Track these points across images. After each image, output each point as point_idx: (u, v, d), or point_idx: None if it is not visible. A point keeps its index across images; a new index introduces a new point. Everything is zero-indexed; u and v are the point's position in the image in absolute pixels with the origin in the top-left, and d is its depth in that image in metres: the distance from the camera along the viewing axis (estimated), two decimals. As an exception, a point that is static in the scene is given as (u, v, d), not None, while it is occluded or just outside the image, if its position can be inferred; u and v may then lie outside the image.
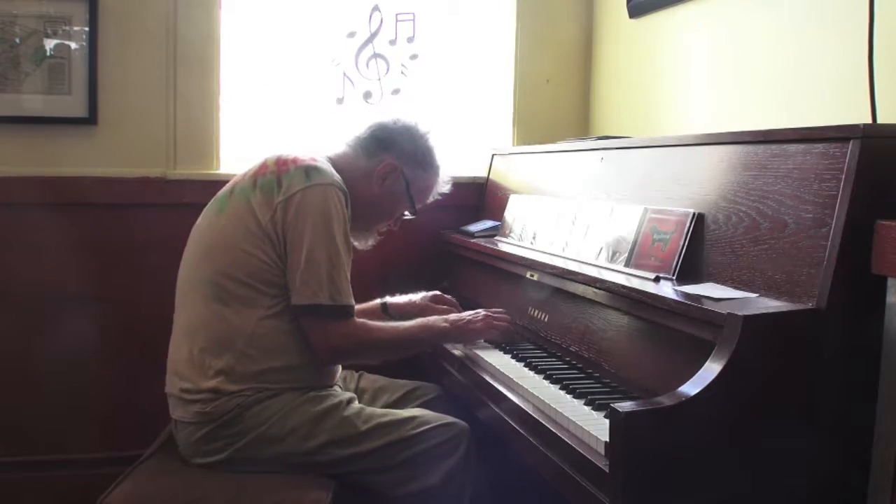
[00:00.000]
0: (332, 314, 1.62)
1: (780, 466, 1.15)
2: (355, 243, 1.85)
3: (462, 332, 1.80)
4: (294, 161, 1.66)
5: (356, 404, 1.70)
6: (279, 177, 1.64)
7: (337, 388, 1.78)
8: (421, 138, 1.85)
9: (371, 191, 1.80)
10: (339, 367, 1.83)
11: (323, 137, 2.63)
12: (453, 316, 1.84)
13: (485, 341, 1.81)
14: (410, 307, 2.04)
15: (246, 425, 1.58)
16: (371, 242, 1.92)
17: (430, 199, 1.93)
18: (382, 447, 1.61)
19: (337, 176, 1.68)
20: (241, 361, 1.59)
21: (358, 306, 2.02)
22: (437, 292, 2.09)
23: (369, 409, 1.69)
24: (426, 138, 1.86)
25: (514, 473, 1.81)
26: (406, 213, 1.89)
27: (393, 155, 1.80)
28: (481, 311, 1.84)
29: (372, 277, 2.29)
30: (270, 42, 2.58)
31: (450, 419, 1.69)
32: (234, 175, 1.69)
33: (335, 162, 1.77)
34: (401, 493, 1.62)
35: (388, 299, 2.09)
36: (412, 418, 1.67)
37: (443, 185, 1.93)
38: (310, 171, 1.64)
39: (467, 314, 1.84)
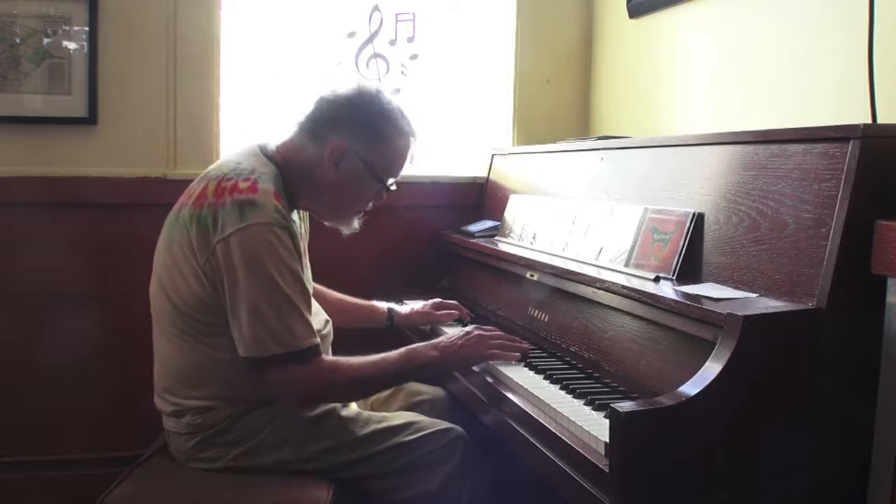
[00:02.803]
0: (292, 360, 1.47)
1: (780, 466, 1.15)
2: (342, 229, 1.72)
3: (457, 358, 1.62)
4: (232, 191, 1.49)
5: (352, 408, 1.69)
6: (216, 211, 1.48)
7: None
8: (364, 108, 1.58)
9: (329, 178, 1.59)
10: None
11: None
12: (443, 341, 1.63)
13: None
14: (416, 316, 2.04)
15: (239, 434, 1.56)
16: (356, 226, 1.72)
17: (405, 166, 1.67)
18: (378, 453, 1.60)
19: (272, 206, 1.48)
20: (224, 387, 1.56)
21: (365, 302, 2.04)
22: (438, 299, 2.09)
23: (366, 414, 1.67)
24: (372, 106, 1.59)
25: (513, 472, 1.81)
26: (383, 189, 1.66)
27: (339, 135, 1.58)
28: (473, 331, 1.65)
29: (371, 277, 2.30)
30: (270, 42, 2.58)
31: (446, 425, 1.67)
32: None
33: (281, 156, 1.61)
34: (399, 498, 1.61)
35: (394, 307, 2.07)
36: (408, 424, 1.65)
37: (414, 143, 1.66)
38: (244, 208, 1.46)
39: (457, 337, 1.64)
